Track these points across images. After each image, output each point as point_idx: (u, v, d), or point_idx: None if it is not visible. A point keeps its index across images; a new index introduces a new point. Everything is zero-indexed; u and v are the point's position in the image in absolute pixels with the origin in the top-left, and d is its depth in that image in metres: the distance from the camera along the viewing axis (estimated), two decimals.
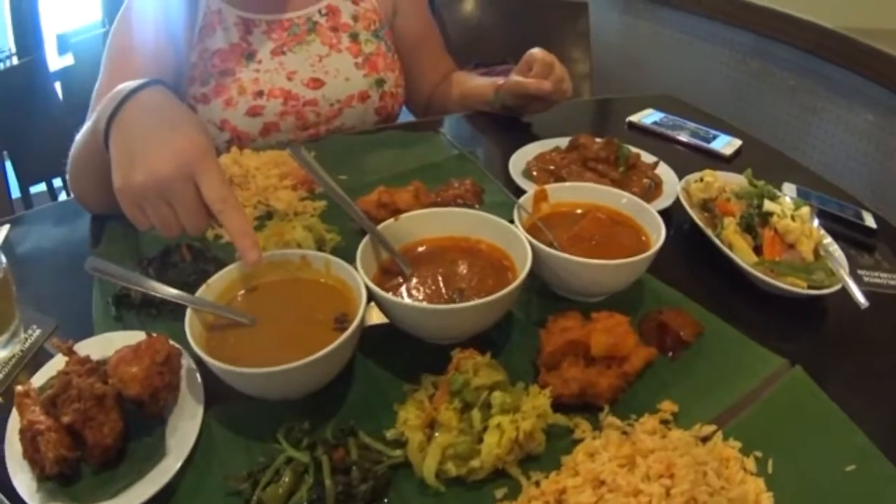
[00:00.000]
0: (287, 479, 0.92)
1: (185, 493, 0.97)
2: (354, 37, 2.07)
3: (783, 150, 2.20)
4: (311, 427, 1.00)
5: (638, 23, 3.87)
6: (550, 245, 1.26)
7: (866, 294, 1.37)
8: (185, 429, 1.02)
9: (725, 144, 2.07)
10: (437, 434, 0.97)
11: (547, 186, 1.43)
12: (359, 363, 1.17)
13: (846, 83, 2.88)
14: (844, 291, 1.36)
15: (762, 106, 3.32)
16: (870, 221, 1.76)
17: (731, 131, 2.18)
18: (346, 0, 2.09)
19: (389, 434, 1.02)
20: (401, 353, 1.18)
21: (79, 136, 1.43)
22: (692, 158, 2.01)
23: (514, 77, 1.93)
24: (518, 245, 1.21)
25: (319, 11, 2.04)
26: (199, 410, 1.04)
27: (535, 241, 1.21)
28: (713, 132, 2.15)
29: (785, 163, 2.11)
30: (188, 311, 1.07)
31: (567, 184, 1.51)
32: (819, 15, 2.92)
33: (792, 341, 1.33)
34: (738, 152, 2.06)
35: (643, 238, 1.34)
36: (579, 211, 1.41)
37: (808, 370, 1.20)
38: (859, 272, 1.55)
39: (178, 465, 0.96)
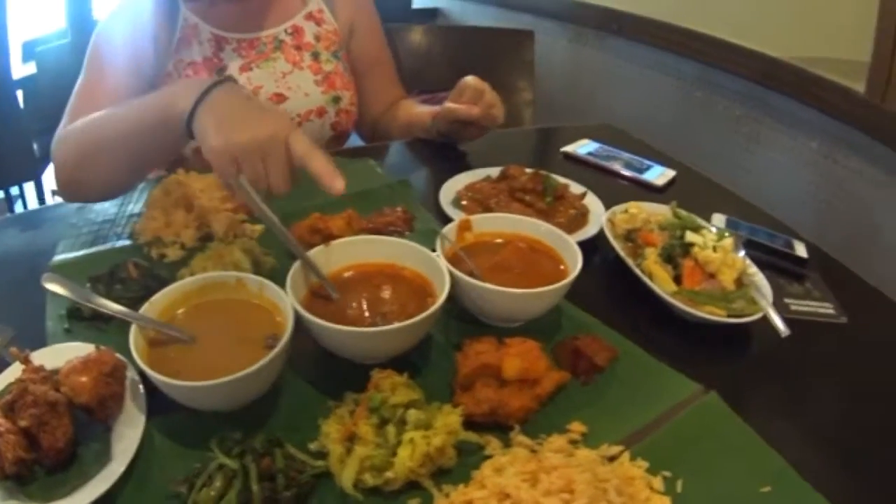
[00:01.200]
0: (218, 484, 0.97)
1: (129, 495, 1.02)
2: (316, 56, 2.19)
3: (727, 178, 2.25)
4: (242, 437, 1.06)
5: (586, 51, 3.94)
6: (471, 274, 1.31)
7: (793, 322, 1.42)
8: (129, 436, 1.06)
9: (659, 175, 2.13)
10: (356, 447, 1.03)
11: (471, 217, 1.48)
12: (288, 379, 1.22)
13: (792, 112, 2.95)
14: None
15: (707, 135, 3.39)
16: (801, 251, 1.80)
17: (667, 162, 2.23)
18: (310, 21, 2.21)
19: (313, 446, 1.08)
20: (326, 372, 1.24)
21: (99, 123, 1.60)
22: (625, 189, 2.07)
23: (447, 103, 2.01)
24: (438, 273, 1.27)
25: (286, 31, 2.16)
26: (142, 419, 1.09)
27: (454, 270, 1.27)
28: (647, 163, 2.21)
29: (719, 193, 2.17)
30: (132, 328, 1.12)
31: (490, 214, 1.56)
32: (765, 45, 3.00)
33: (713, 368, 1.38)
34: (671, 183, 2.12)
35: (562, 267, 1.40)
36: (500, 241, 1.47)
37: (727, 396, 1.26)
38: (786, 301, 1.60)
39: (123, 469, 1.01)
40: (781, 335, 1.39)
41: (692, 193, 2.05)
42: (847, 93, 2.69)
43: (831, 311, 1.60)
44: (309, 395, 1.21)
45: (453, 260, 1.36)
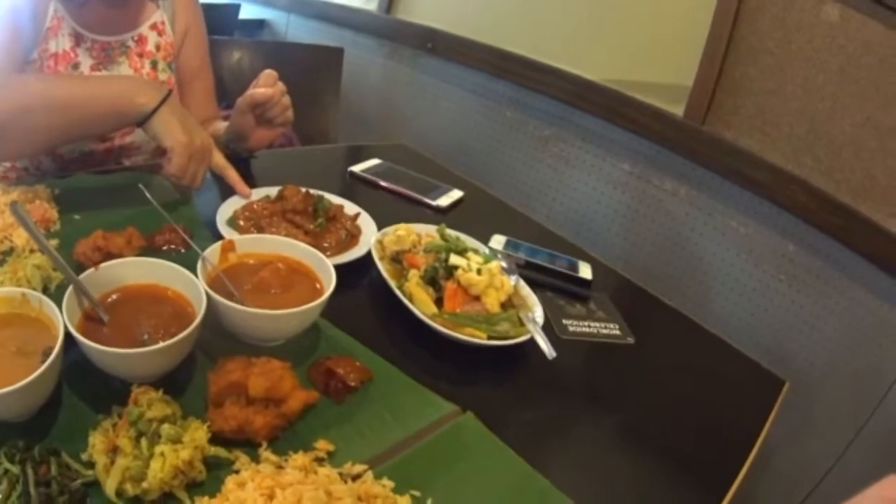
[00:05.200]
0: (4, 487, 1.09)
1: None
2: (154, 64, 2.33)
3: (536, 198, 2.38)
4: (24, 445, 1.15)
5: (400, 68, 4.04)
6: (230, 295, 1.41)
7: (574, 343, 1.56)
8: None
9: (443, 196, 2.26)
10: (118, 458, 1.13)
11: (235, 238, 1.57)
12: (67, 392, 1.31)
13: (603, 134, 3.12)
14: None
15: (516, 154, 3.52)
16: (585, 272, 1.94)
17: (458, 183, 2.37)
18: (153, 31, 2.34)
19: (84, 455, 1.17)
20: (98, 386, 1.31)
21: (30, 88, 1.83)
22: (409, 210, 2.20)
23: (246, 93, 2.18)
24: (198, 294, 1.37)
25: (132, 38, 2.28)
26: None
27: (209, 291, 1.35)
28: (435, 184, 2.33)
29: (506, 214, 2.32)
30: None
31: (252, 235, 1.67)
32: (584, 68, 3.17)
33: (477, 390, 1.49)
34: (457, 203, 2.25)
35: (318, 286, 1.51)
36: (260, 262, 1.56)
37: (491, 417, 1.35)
38: (565, 322, 1.72)
39: None
40: (548, 357, 1.51)
41: (477, 215, 2.20)
42: (663, 115, 2.89)
43: (616, 332, 1.73)
44: (82, 407, 1.29)
45: (215, 281, 1.45)
